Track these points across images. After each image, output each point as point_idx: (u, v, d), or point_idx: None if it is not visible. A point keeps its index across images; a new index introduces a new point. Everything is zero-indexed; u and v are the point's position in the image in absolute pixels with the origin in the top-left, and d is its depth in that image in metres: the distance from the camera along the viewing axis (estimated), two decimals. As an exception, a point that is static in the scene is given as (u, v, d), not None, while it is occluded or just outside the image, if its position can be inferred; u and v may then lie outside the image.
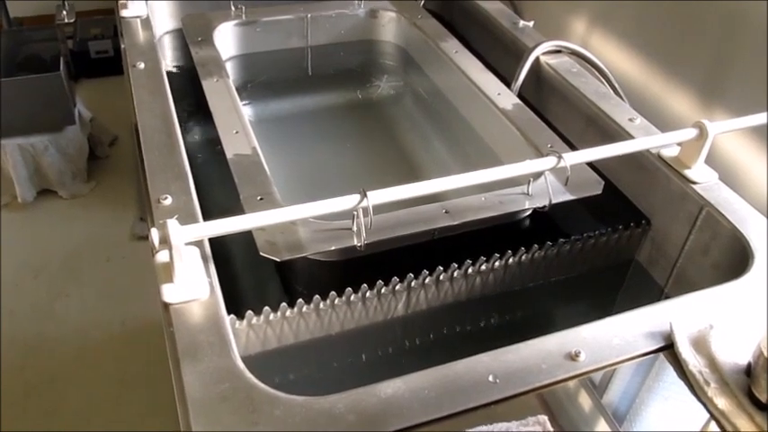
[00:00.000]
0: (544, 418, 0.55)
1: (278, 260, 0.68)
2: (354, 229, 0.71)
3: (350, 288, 0.73)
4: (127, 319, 1.76)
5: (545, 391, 0.56)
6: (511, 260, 0.79)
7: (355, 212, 0.68)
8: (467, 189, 0.74)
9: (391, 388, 0.53)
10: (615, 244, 0.86)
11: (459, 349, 0.58)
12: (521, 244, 0.80)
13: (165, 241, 0.58)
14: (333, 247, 0.70)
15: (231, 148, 0.83)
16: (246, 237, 0.70)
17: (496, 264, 0.79)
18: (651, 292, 0.85)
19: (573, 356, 0.58)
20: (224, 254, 0.72)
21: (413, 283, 0.76)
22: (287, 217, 0.65)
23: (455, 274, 0.77)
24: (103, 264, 1.94)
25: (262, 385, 0.53)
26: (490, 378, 0.55)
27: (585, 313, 0.64)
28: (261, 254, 0.67)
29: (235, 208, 0.71)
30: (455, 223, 0.76)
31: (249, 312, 0.69)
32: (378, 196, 0.66)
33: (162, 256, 0.63)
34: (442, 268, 0.76)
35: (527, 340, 0.58)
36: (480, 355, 0.56)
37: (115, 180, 2.25)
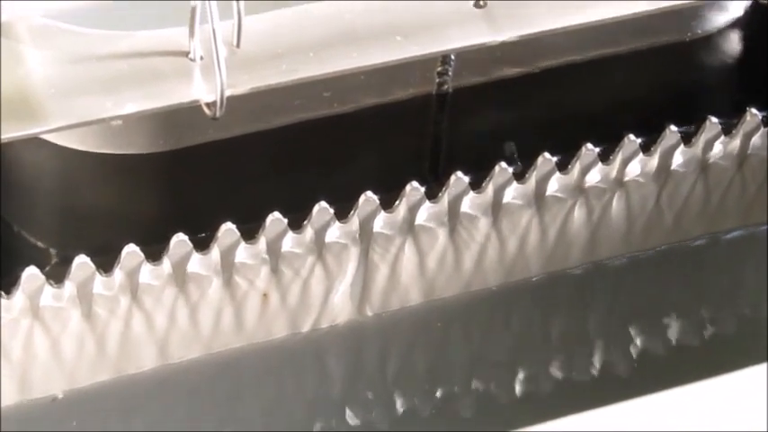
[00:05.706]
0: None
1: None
2: (194, 55, 0.47)
3: (182, 236, 0.49)
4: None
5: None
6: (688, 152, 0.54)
7: (194, 4, 0.45)
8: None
9: None
10: None
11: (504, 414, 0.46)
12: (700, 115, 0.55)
13: None
14: (132, 109, 0.46)
15: None
16: None
17: (636, 166, 0.54)
18: None
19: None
20: None
21: (377, 222, 0.53)
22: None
23: (508, 193, 0.54)
24: None
25: None
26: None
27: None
28: None
29: None
30: (503, 39, 0.48)
31: None
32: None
33: None
34: (465, 179, 0.53)
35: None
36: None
37: None
